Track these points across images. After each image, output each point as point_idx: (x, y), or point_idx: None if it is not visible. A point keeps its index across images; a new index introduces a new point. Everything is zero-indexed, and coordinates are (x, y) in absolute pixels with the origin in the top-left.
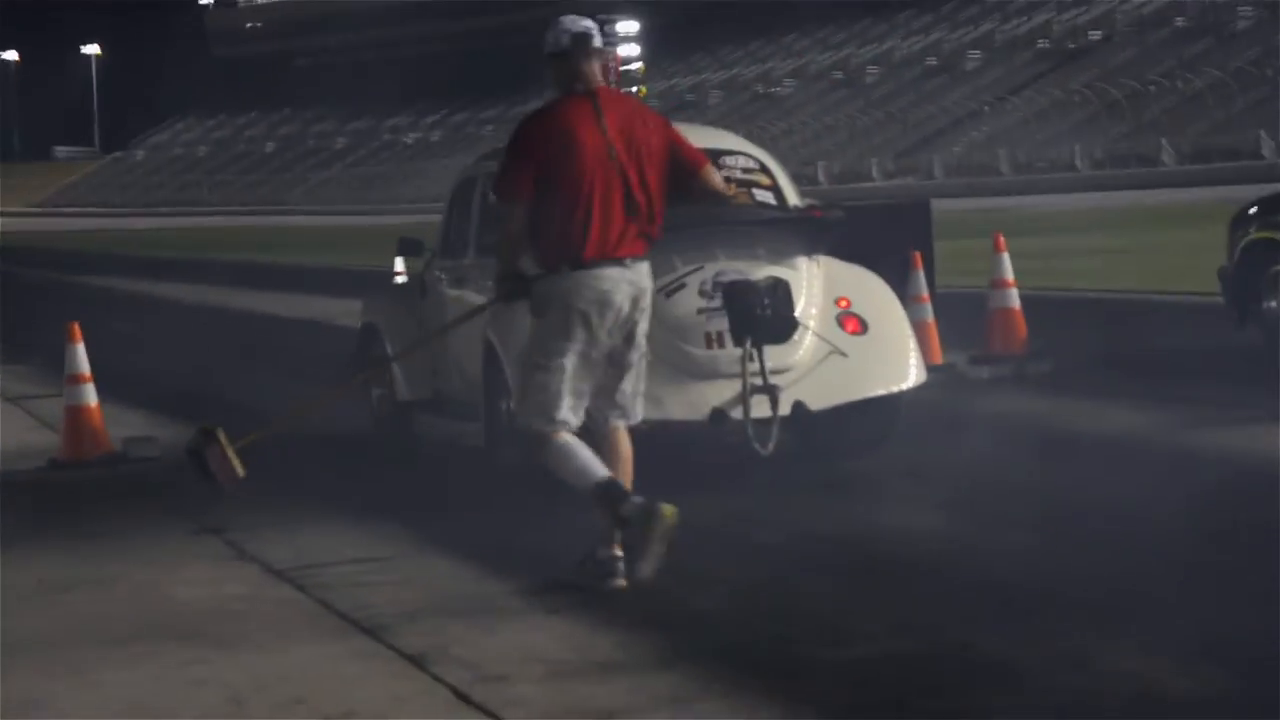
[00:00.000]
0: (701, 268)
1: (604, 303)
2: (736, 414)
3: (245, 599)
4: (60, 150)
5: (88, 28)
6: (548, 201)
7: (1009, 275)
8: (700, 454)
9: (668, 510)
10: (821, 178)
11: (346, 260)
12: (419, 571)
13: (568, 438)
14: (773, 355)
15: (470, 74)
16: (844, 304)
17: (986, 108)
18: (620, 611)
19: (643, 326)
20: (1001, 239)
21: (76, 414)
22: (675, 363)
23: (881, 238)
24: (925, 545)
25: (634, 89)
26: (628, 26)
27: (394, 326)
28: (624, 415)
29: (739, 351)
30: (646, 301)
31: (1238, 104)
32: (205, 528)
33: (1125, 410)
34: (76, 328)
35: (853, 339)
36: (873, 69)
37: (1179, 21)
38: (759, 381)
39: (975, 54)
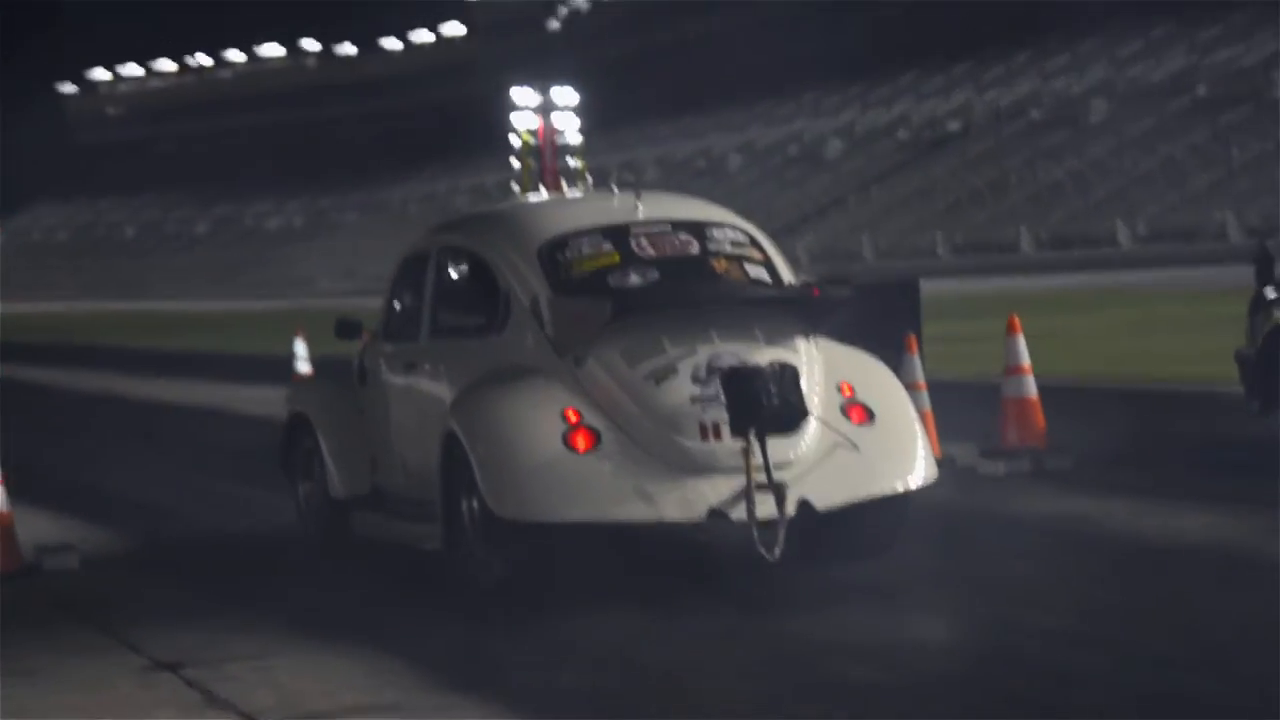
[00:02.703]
0: (695, 351)
1: None
2: (736, 514)
3: None
4: None
5: None
6: None
7: (1025, 361)
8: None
9: None
10: None
11: (224, 345)
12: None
13: None
14: (774, 449)
15: (334, 159)
16: (848, 391)
17: (850, 196)
18: None
19: None
20: (1016, 320)
21: None
22: (667, 456)
23: (867, 319)
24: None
25: (570, 161)
26: (566, 96)
27: (328, 417)
28: None
29: (739, 444)
30: None
31: (1097, 193)
32: (158, 662)
33: (1168, 513)
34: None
35: (859, 429)
36: (735, 157)
37: (1034, 114)
38: (762, 478)
39: (836, 144)
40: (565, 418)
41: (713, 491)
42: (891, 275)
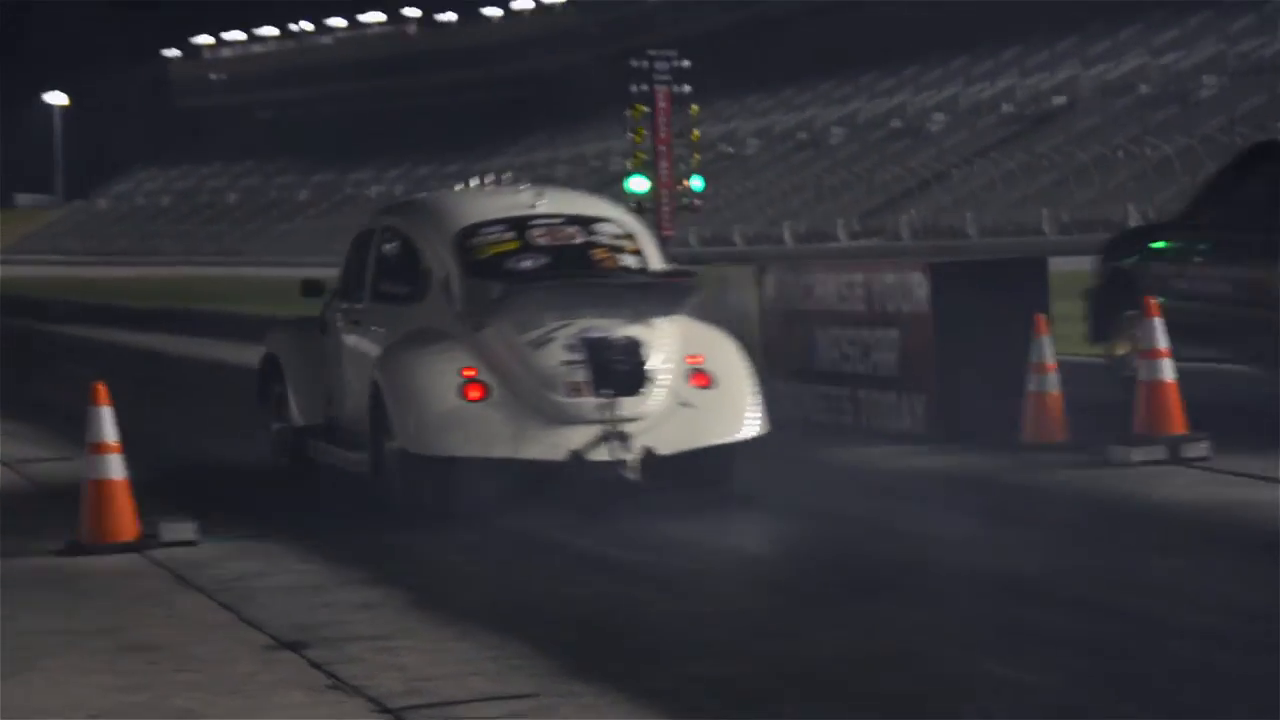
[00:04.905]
0: (570, 324)
1: None
2: (592, 455)
3: None
4: (21, 198)
5: (52, 76)
6: None
7: (1162, 344)
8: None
9: None
10: (787, 238)
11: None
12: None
13: None
14: (627, 405)
15: (434, 127)
16: (695, 361)
17: (953, 170)
18: None
19: None
20: (1153, 303)
21: (101, 489)
22: (542, 408)
23: (993, 297)
24: None
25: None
26: (676, 65)
27: (294, 361)
28: None
29: (598, 401)
30: None
31: (1205, 170)
32: (280, 640)
33: None
34: (102, 389)
35: (700, 392)
36: (837, 130)
37: (1143, 89)
38: (616, 428)
39: (940, 117)
40: (463, 374)
41: (575, 437)
42: (1017, 252)
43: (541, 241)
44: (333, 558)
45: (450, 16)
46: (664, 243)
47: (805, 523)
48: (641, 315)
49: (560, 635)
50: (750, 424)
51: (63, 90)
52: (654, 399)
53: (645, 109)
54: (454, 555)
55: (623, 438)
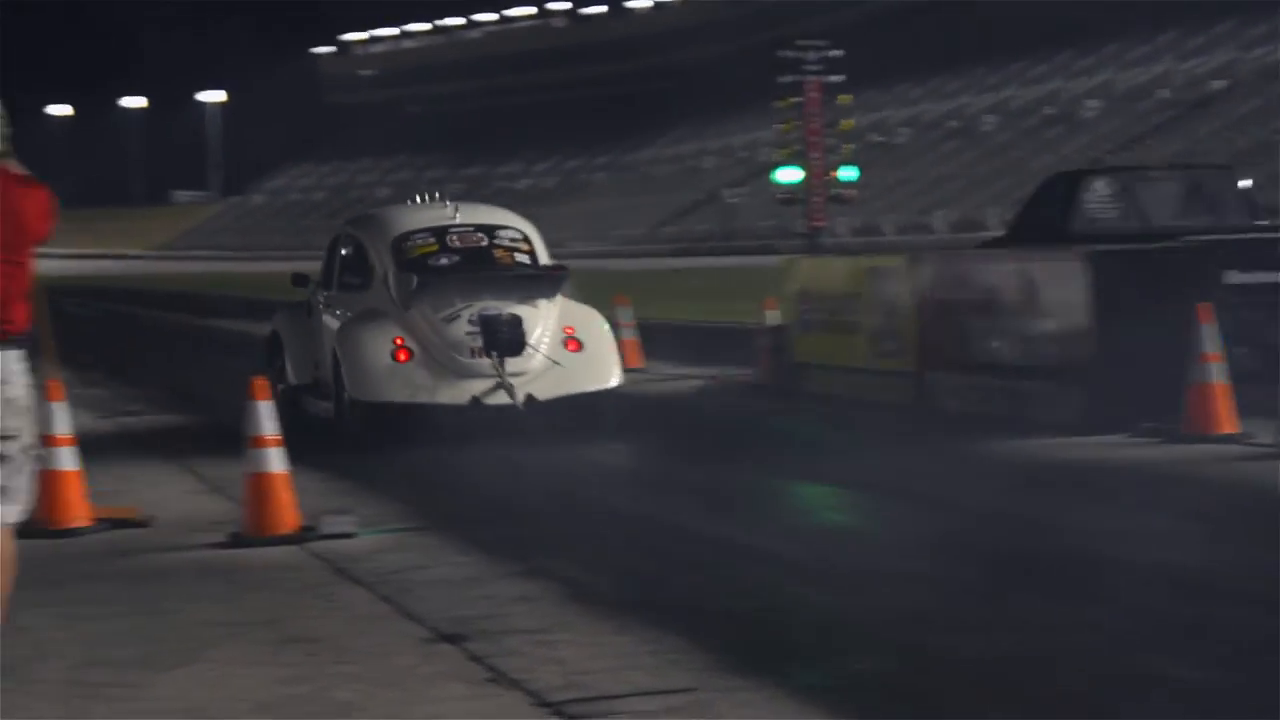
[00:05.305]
0: (471, 305)
1: None
2: (488, 400)
3: None
4: (180, 195)
5: (208, 75)
6: None
7: None
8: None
9: None
10: (939, 227)
11: None
12: None
13: None
14: (514, 364)
15: (582, 121)
16: (569, 331)
17: (1108, 157)
18: None
19: (9, 422)
20: None
21: (261, 482)
22: (450, 366)
23: (1153, 286)
24: None
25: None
26: (827, 56)
27: (290, 335)
28: None
29: (489, 360)
30: (11, 393)
31: None
32: (439, 633)
33: None
34: (263, 383)
35: (572, 355)
36: (989, 118)
37: None
38: (503, 381)
39: (1093, 103)
40: (394, 342)
41: (475, 387)
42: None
43: (455, 244)
44: (489, 550)
45: (598, 9)
46: (815, 234)
47: (964, 517)
48: (527, 298)
49: (717, 629)
50: (612, 378)
51: (219, 88)
52: (533, 360)
53: (794, 99)
54: (608, 547)
55: (509, 388)
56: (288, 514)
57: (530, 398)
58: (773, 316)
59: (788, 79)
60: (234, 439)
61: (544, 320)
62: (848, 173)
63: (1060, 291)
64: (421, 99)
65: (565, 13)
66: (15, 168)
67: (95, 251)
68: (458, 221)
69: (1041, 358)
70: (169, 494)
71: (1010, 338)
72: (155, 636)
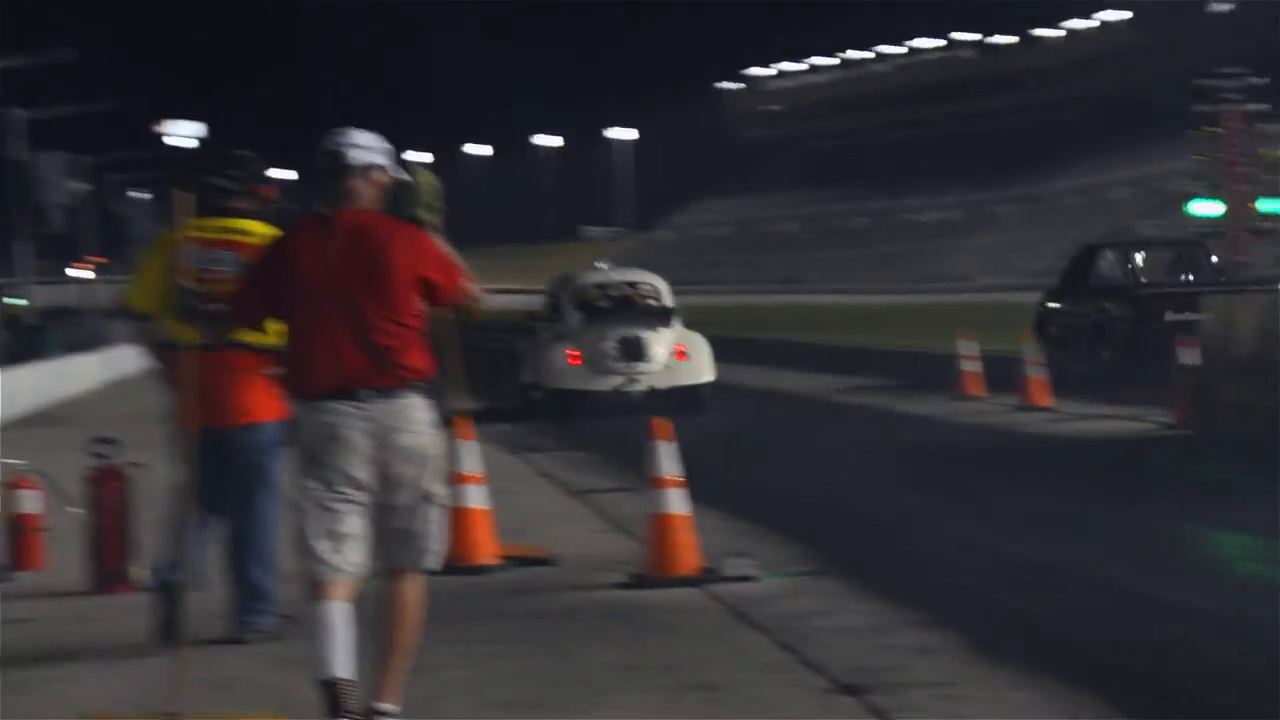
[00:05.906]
0: (617, 330)
1: (332, 438)
2: (624, 389)
3: None
4: (589, 230)
5: (617, 112)
6: (289, 331)
7: None
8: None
9: None
10: None
11: (883, 341)
12: None
13: (332, 607)
14: (639, 367)
15: (990, 152)
16: (680, 347)
17: None
18: None
19: (403, 470)
20: None
21: (662, 523)
22: (602, 367)
23: None
24: None
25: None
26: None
27: (521, 352)
28: (401, 561)
29: (626, 364)
30: (405, 440)
31: None
32: (840, 684)
33: None
34: (663, 424)
35: (680, 362)
36: None
37: None
38: (631, 377)
39: None
40: (568, 354)
41: (616, 380)
42: None
43: (612, 294)
44: (890, 598)
45: (1007, 39)
46: (1240, 268)
47: None
48: (650, 326)
49: (1129, 689)
50: (706, 374)
51: (627, 125)
52: (653, 364)
53: (1212, 129)
54: (1011, 598)
55: (637, 381)
56: (689, 555)
57: (651, 388)
58: (1029, 349)
59: (1205, 108)
60: (635, 474)
61: (662, 339)
62: (1269, 205)
63: None
64: (827, 133)
65: (973, 44)
66: (434, 238)
67: (512, 286)
68: (613, 279)
69: None
70: (573, 531)
71: None
72: (557, 678)
